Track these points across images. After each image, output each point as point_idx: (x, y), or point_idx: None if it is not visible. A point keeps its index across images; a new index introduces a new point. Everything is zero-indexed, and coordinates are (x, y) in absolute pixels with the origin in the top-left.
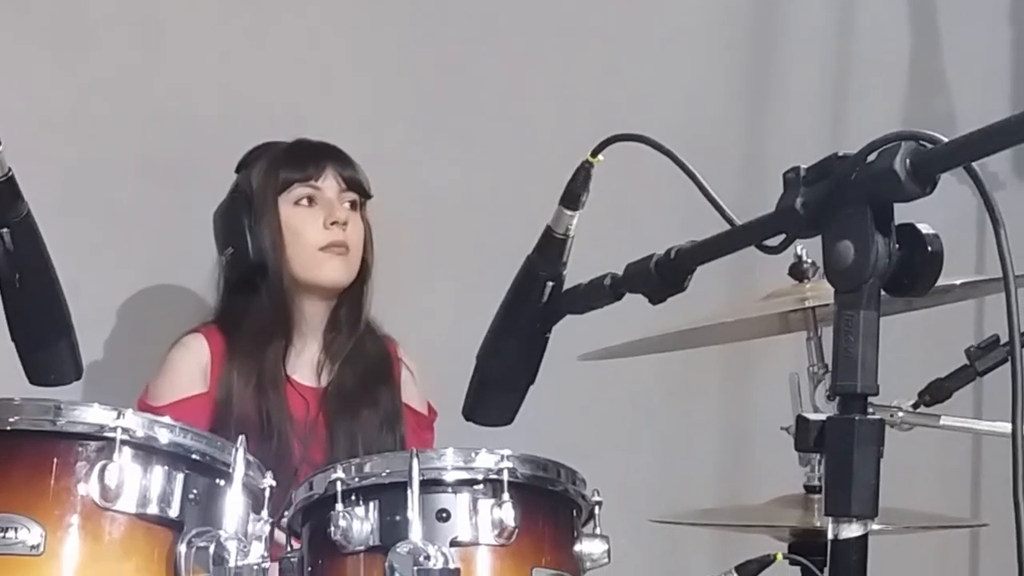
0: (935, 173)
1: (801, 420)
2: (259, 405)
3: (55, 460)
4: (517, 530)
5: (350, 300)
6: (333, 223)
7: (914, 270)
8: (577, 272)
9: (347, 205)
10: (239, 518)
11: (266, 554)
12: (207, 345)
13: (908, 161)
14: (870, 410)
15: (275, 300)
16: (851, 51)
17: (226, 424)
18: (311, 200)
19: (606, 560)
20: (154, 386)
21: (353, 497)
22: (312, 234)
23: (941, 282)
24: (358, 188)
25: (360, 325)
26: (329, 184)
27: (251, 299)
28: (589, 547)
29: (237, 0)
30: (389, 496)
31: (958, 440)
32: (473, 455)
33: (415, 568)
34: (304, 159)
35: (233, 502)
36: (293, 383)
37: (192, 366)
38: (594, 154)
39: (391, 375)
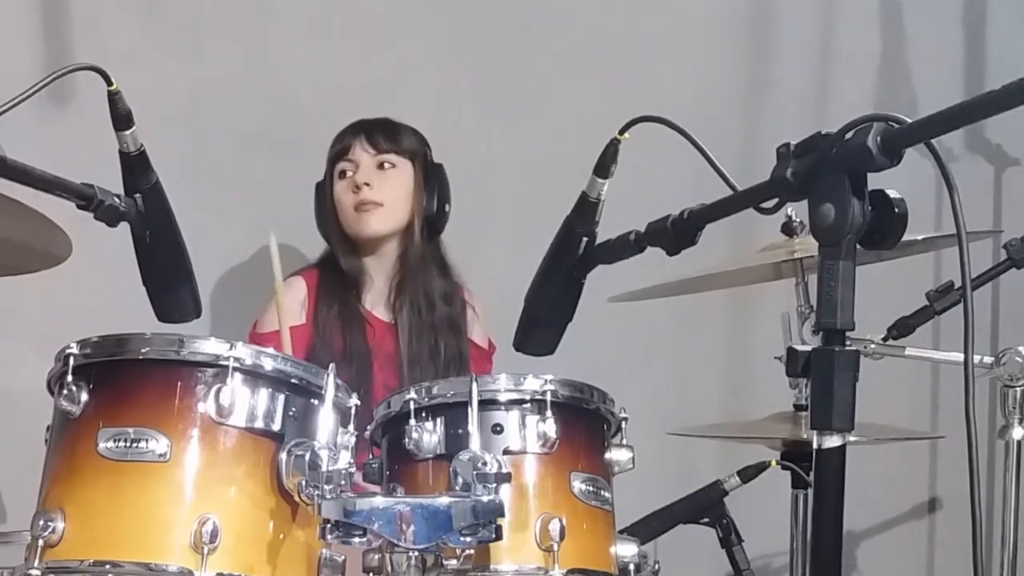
0: (901, 148)
1: (791, 351)
2: (342, 336)
3: (179, 384)
4: (558, 441)
5: (404, 242)
6: (357, 187)
7: (884, 228)
8: (607, 229)
9: (382, 167)
10: (330, 431)
11: (352, 461)
12: (305, 285)
13: (879, 138)
14: (847, 342)
15: (342, 255)
16: (832, 47)
17: (318, 350)
18: (348, 172)
19: (631, 466)
20: (263, 318)
21: (423, 414)
22: (347, 199)
23: (906, 237)
24: (389, 149)
25: (410, 263)
26: (358, 154)
27: (333, 253)
28: (617, 455)
29: (328, 4)
30: (453, 413)
31: (920, 367)
32: (522, 379)
33: (474, 472)
34: (341, 138)
35: (325, 418)
36: (371, 319)
37: (293, 302)
38: (621, 132)
39: (459, 321)
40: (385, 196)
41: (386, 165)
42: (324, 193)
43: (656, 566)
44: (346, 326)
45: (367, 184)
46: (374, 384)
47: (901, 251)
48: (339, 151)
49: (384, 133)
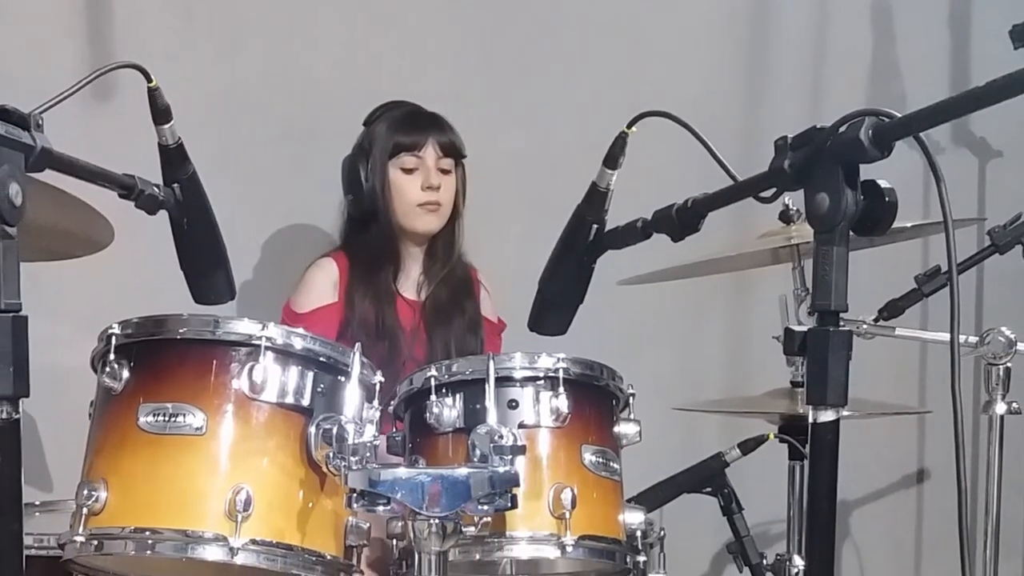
0: (891, 141)
1: (788, 331)
2: (376, 314)
3: (214, 362)
4: (570, 415)
5: (444, 237)
6: (429, 187)
7: (875, 215)
8: (616, 217)
9: (443, 169)
10: (356, 406)
11: (377, 434)
12: (336, 266)
13: (870, 132)
14: (841, 323)
15: (384, 237)
16: (826, 47)
17: (351, 328)
18: (414, 168)
19: (638, 439)
20: (296, 298)
21: (444, 390)
22: (412, 194)
23: (896, 225)
24: (453, 153)
25: (452, 256)
26: (429, 153)
27: (367, 234)
28: (625, 428)
29: (354, 4)
30: (471, 389)
31: (908, 346)
32: (536, 357)
33: (491, 445)
34: (412, 131)
35: (351, 394)
36: (401, 298)
37: (326, 282)
38: (629, 126)
39: (472, 291)
40: (445, 198)
41: (447, 169)
42: (374, 174)
43: (661, 532)
44: (380, 306)
45: (439, 187)
46: (405, 360)
47: (891, 237)
48: (408, 144)
49: (449, 138)
